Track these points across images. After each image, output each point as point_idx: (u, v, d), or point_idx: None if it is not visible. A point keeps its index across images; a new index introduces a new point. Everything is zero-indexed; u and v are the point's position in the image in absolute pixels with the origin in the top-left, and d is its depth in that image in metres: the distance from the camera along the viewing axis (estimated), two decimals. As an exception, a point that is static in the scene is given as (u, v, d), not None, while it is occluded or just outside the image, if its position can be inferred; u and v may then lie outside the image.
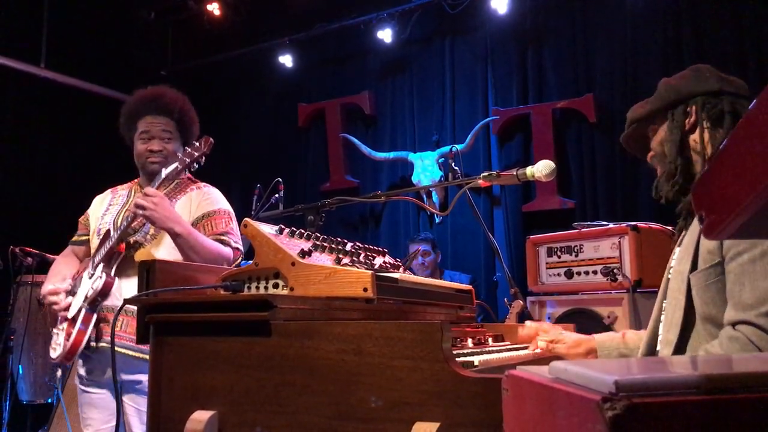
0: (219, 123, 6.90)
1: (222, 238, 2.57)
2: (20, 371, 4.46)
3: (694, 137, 1.75)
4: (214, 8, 6.73)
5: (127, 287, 2.48)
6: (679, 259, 1.73)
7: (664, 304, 1.77)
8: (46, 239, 4.52)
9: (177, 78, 7.17)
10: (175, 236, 2.41)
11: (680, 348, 1.66)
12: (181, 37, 7.38)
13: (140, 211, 2.39)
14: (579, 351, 1.95)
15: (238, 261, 2.65)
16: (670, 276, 1.78)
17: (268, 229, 1.72)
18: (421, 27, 6.18)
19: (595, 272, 3.55)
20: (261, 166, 6.73)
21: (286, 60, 6.65)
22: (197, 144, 2.54)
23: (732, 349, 1.49)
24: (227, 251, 2.54)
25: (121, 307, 1.75)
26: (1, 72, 6.02)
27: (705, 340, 1.60)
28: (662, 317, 1.76)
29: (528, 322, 2.10)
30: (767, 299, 1.46)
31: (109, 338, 2.43)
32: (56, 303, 2.54)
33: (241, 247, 2.64)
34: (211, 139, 2.54)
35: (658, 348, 1.75)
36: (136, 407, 2.45)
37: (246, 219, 1.72)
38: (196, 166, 2.57)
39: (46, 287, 2.59)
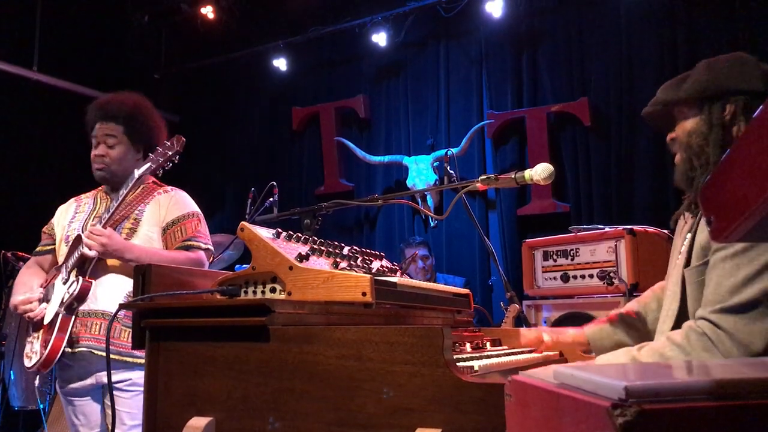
0: (213, 126, 6.90)
1: (188, 243, 2.60)
2: (12, 377, 4.42)
3: (727, 136, 1.66)
4: (208, 11, 6.71)
5: (100, 291, 2.49)
6: (682, 251, 1.73)
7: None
8: (39, 244, 4.49)
9: (171, 81, 7.17)
10: (129, 262, 2.46)
11: None
12: (175, 41, 7.36)
13: (91, 253, 2.42)
14: (581, 340, 2.02)
15: (211, 261, 2.67)
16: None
17: (264, 233, 1.71)
18: (415, 30, 6.17)
19: (591, 276, 3.54)
20: (255, 169, 6.72)
21: (281, 63, 6.64)
22: (169, 143, 2.58)
23: (691, 339, 1.52)
24: (194, 255, 2.58)
25: (116, 314, 1.73)
26: (-7, 75, 5.99)
27: None
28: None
29: (523, 330, 2.11)
30: (725, 298, 1.49)
31: (86, 342, 2.45)
32: (31, 310, 2.53)
33: (211, 248, 2.68)
34: (183, 138, 2.59)
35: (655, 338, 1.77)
36: (119, 407, 2.44)
37: (243, 223, 1.70)
38: (170, 165, 2.60)
39: (17, 298, 2.58)
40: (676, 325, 1.66)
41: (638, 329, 2.00)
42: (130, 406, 2.41)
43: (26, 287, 2.65)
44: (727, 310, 1.48)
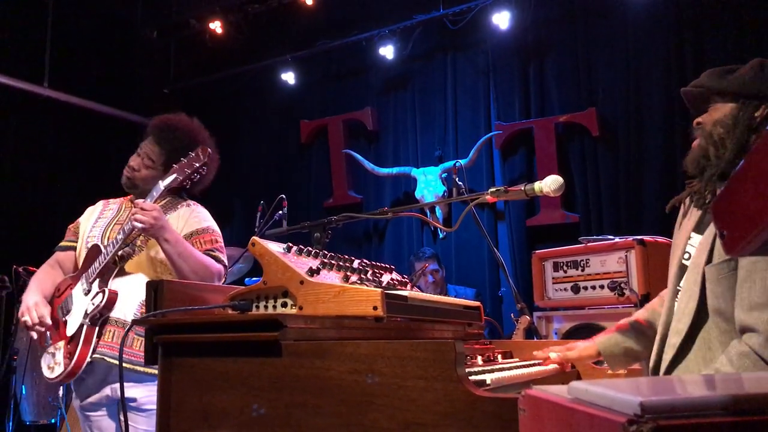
0: (222, 140, 6.87)
1: (212, 253, 2.60)
2: (23, 391, 4.43)
3: (749, 137, 1.66)
4: (216, 26, 6.77)
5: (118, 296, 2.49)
6: (698, 251, 1.72)
7: (678, 293, 1.77)
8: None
9: (180, 96, 7.21)
10: (164, 242, 2.44)
11: (690, 338, 1.66)
12: (184, 56, 7.41)
13: (139, 225, 2.41)
14: (591, 353, 2.01)
15: (225, 278, 2.67)
16: (685, 263, 1.78)
17: (276, 248, 1.71)
18: (422, 43, 6.20)
19: (602, 287, 3.53)
20: (264, 183, 6.74)
21: (289, 77, 6.68)
22: (193, 155, 2.55)
23: (743, 366, 1.49)
24: (217, 266, 2.58)
25: (129, 328, 1.74)
26: (4, 92, 6.04)
27: (714, 334, 1.61)
28: (676, 306, 1.76)
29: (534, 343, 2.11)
30: None
31: (100, 350, 2.44)
32: (33, 325, 2.50)
33: (226, 264, 2.68)
34: (209, 150, 2.56)
35: (668, 337, 1.76)
36: (134, 425, 2.44)
37: (254, 237, 1.71)
38: (198, 177, 2.59)
39: (28, 302, 2.54)
40: (694, 322, 1.65)
41: (648, 336, 1.99)
42: (149, 424, 2.40)
43: (42, 285, 2.64)
44: None
